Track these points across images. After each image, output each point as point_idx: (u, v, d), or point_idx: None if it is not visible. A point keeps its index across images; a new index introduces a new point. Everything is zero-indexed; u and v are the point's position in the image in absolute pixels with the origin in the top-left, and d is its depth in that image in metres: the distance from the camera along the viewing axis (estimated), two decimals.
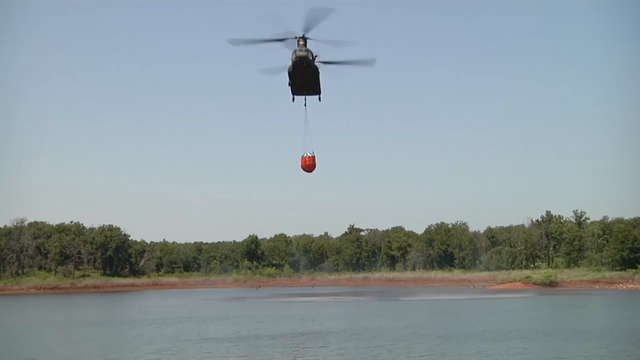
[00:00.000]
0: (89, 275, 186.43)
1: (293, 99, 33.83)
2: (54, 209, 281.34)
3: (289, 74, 32.82)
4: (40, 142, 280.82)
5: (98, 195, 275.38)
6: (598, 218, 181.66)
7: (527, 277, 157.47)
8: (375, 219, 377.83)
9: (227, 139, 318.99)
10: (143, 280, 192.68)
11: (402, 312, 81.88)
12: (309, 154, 35.33)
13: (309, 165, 35.37)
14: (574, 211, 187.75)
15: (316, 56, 32.52)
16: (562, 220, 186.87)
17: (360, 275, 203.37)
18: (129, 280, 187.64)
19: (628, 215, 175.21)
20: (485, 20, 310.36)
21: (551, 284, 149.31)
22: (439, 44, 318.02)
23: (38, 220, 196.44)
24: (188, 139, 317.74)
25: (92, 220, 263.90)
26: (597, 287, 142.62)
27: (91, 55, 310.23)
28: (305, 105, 34.48)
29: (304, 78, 32.77)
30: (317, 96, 34.25)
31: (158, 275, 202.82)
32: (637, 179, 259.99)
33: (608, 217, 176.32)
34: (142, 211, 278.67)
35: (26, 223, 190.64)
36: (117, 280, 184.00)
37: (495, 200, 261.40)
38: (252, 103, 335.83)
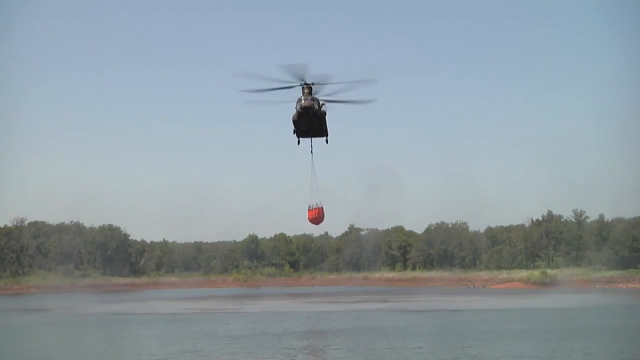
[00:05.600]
0: (89, 275, 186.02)
1: (298, 142, 32.55)
2: (54, 209, 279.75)
3: (294, 122, 31.41)
4: (40, 142, 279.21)
5: (98, 195, 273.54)
6: (598, 217, 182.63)
7: (527, 276, 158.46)
8: (375, 219, 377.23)
9: (227, 138, 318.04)
10: (143, 279, 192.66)
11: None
12: (315, 205, 33.81)
13: (316, 219, 33.79)
14: (573, 210, 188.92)
15: (323, 104, 31.21)
16: (562, 220, 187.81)
17: (360, 275, 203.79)
18: (129, 280, 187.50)
19: (628, 214, 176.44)
20: (483, 22, 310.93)
21: (551, 283, 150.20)
22: (438, 46, 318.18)
23: (38, 220, 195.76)
24: (188, 139, 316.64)
25: (92, 220, 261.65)
26: (598, 286, 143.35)
27: (92, 55, 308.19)
28: (311, 152, 32.97)
29: (310, 125, 31.53)
30: (324, 138, 32.85)
31: (158, 275, 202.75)
32: (637, 179, 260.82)
33: (605, 216, 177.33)
34: (142, 211, 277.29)
35: (26, 223, 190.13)
36: (117, 280, 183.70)
37: (495, 200, 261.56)
38: (250, 103, 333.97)
